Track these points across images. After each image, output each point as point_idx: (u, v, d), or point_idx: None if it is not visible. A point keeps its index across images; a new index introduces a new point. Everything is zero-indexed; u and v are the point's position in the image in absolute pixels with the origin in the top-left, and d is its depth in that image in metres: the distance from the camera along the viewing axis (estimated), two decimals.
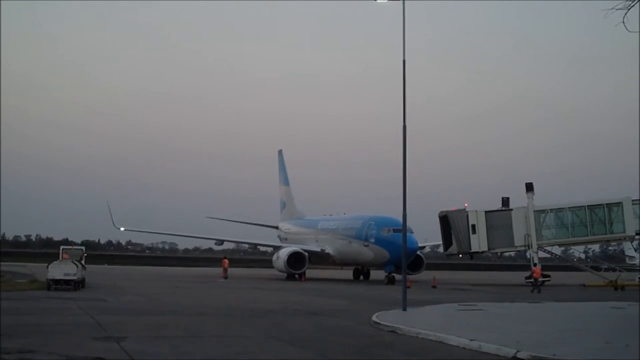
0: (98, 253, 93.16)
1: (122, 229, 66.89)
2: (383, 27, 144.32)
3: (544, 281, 47.31)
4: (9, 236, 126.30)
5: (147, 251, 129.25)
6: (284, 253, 56.32)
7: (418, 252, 53.85)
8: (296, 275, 55.53)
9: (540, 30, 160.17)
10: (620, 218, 49.84)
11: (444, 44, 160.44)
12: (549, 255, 54.98)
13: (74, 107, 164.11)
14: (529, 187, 51.08)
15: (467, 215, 51.51)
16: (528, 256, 52.93)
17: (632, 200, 49.83)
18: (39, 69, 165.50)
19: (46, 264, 36.51)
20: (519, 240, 50.99)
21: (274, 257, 58.20)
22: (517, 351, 14.34)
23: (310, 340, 17.25)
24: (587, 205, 50.94)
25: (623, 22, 14.78)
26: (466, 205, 52.89)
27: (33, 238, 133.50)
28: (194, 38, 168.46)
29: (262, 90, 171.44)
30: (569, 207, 51.15)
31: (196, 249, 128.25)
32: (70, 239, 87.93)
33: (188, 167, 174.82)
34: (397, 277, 48.11)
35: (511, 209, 51.67)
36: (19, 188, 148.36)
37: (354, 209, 64.94)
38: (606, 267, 57.58)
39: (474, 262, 78.19)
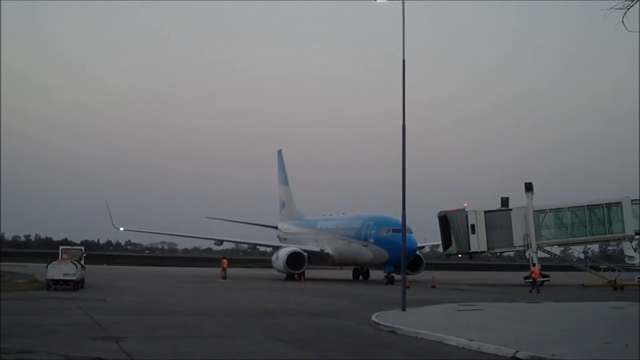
0: (97, 253, 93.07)
1: (121, 229, 66.89)
2: (383, 27, 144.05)
3: (543, 281, 47.31)
4: (8, 236, 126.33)
5: (146, 251, 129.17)
6: (283, 253, 56.32)
7: (417, 252, 53.87)
8: (295, 275, 55.53)
9: (539, 30, 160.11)
10: (620, 218, 49.84)
11: (444, 43, 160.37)
12: (548, 255, 55.00)
13: (74, 107, 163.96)
14: (528, 187, 51.08)
15: (467, 215, 51.50)
16: (527, 256, 52.94)
17: (632, 200, 49.85)
18: (39, 69, 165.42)
19: (45, 264, 36.52)
20: (518, 241, 51.00)
21: (273, 257, 58.18)
22: (517, 351, 14.35)
23: (309, 340, 17.26)
24: (587, 205, 50.93)
25: (622, 22, 14.77)
26: (465, 205, 52.95)
27: (32, 238, 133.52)
28: (194, 38, 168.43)
29: (262, 90, 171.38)
30: (568, 207, 51.15)
31: (195, 249, 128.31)
32: (69, 239, 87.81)
33: (188, 167, 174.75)
34: (397, 277, 48.11)
35: (510, 209, 51.67)
36: (19, 188, 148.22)
37: (353, 209, 64.95)
38: (605, 267, 57.59)
39: (473, 262, 78.28)
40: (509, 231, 51.24)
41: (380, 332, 19.13)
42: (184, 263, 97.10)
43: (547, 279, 49.40)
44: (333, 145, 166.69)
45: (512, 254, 74.62)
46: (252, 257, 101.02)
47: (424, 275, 55.88)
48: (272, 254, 61.26)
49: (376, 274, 57.86)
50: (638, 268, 59.41)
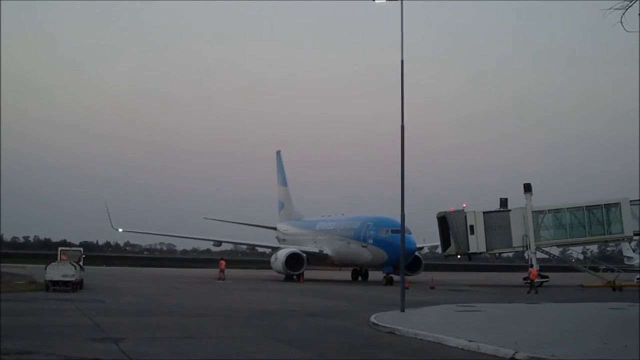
0: (96, 254, 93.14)
1: (120, 230, 66.89)
2: (383, 27, 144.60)
3: (541, 282, 47.35)
4: (7, 237, 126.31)
5: (145, 252, 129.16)
6: (282, 254, 56.30)
7: (416, 253, 53.91)
8: (294, 276, 55.51)
9: (539, 30, 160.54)
10: (619, 219, 49.85)
11: (444, 43, 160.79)
12: (547, 256, 55.00)
13: (74, 107, 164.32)
14: (527, 188, 51.10)
15: (465, 216, 51.52)
16: (526, 257, 52.94)
17: (630, 201, 49.88)
18: (39, 69, 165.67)
19: (44, 266, 36.49)
20: (517, 241, 51.00)
21: (272, 258, 58.16)
22: (516, 352, 14.35)
23: (308, 341, 17.26)
24: (585, 206, 50.93)
25: (621, 22, 14.75)
26: (464, 206, 52.96)
27: (31, 239, 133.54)
28: (194, 38, 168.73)
29: (262, 90, 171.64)
30: (567, 208, 51.16)
31: (194, 250, 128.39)
32: (68, 240, 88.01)
33: (187, 167, 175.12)
34: (396, 278, 48.08)
35: (509, 210, 51.69)
36: (19, 188, 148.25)
37: (352, 210, 65.17)
38: (604, 267, 57.61)
39: (472, 263, 78.33)
40: (507, 232, 51.23)
41: (379, 333, 19.12)
42: (182, 264, 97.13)
43: (546, 279, 49.44)
44: (333, 145, 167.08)
45: (511, 254, 74.68)
46: (251, 258, 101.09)
47: (423, 276, 55.89)
48: (271, 255, 61.21)
49: (375, 275, 57.87)
50: (637, 269, 59.54)
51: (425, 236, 62.92)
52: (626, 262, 66.68)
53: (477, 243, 51.21)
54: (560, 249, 53.95)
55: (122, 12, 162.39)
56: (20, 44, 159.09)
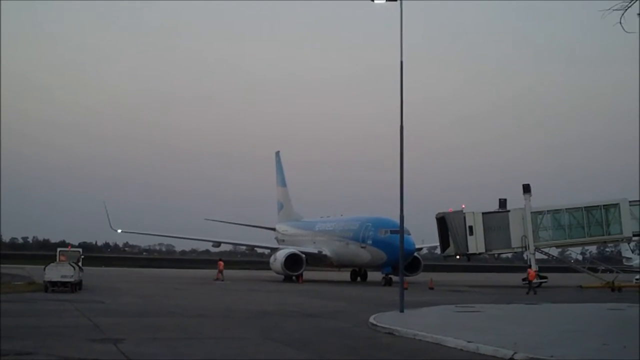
0: (95, 255, 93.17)
1: (119, 230, 66.92)
2: (382, 26, 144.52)
3: (540, 283, 47.38)
4: (6, 238, 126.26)
5: (144, 253, 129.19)
6: (281, 255, 56.30)
7: (415, 254, 53.95)
8: (293, 277, 55.51)
9: (539, 30, 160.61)
10: (617, 219, 49.89)
11: (443, 43, 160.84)
12: (546, 257, 55.03)
13: (74, 107, 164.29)
14: (526, 189, 51.14)
15: (464, 217, 51.55)
16: (525, 258, 52.98)
17: (630, 202, 49.93)
18: (39, 69, 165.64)
19: (43, 266, 36.47)
20: (516, 242, 51.05)
21: (271, 259, 58.17)
22: (515, 353, 14.34)
23: (307, 342, 17.26)
24: (584, 207, 50.96)
25: (620, 23, 14.76)
26: (463, 206, 52.97)
27: (30, 240, 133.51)
28: (194, 38, 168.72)
29: (262, 90, 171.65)
30: (566, 209, 51.20)
31: (193, 251, 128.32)
32: (67, 241, 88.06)
33: (187, 167, 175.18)
34: (395, 278, 48.11)
35: (508, 211, 51.72)
36: (19, 188, 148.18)
37: (351, 210, 65.25)
38: (603, 268, 57.65)
39: (471, 263, 78.36)
40: (506, 232, 51.28)
41: (378, 334, 19.12)
42: (181, 265, 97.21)
43: (545, 280, 49.45)
44: (333, 145, 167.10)
45: (510, 255, 74.69)
46: (250, 258, 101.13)
47: (421, 276, 55.93)
48: (270, 255, 61.25)
49: (374, 276, 57.88)
50: (636, 269, 59.58)
51: (424, 237, 63.10)
52: (625, 263, 66.76)
53: (476, 244, 51.25)
54: (559, 249, 53.99)
55: (122, 12, 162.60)
56: (20, 44, 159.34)
